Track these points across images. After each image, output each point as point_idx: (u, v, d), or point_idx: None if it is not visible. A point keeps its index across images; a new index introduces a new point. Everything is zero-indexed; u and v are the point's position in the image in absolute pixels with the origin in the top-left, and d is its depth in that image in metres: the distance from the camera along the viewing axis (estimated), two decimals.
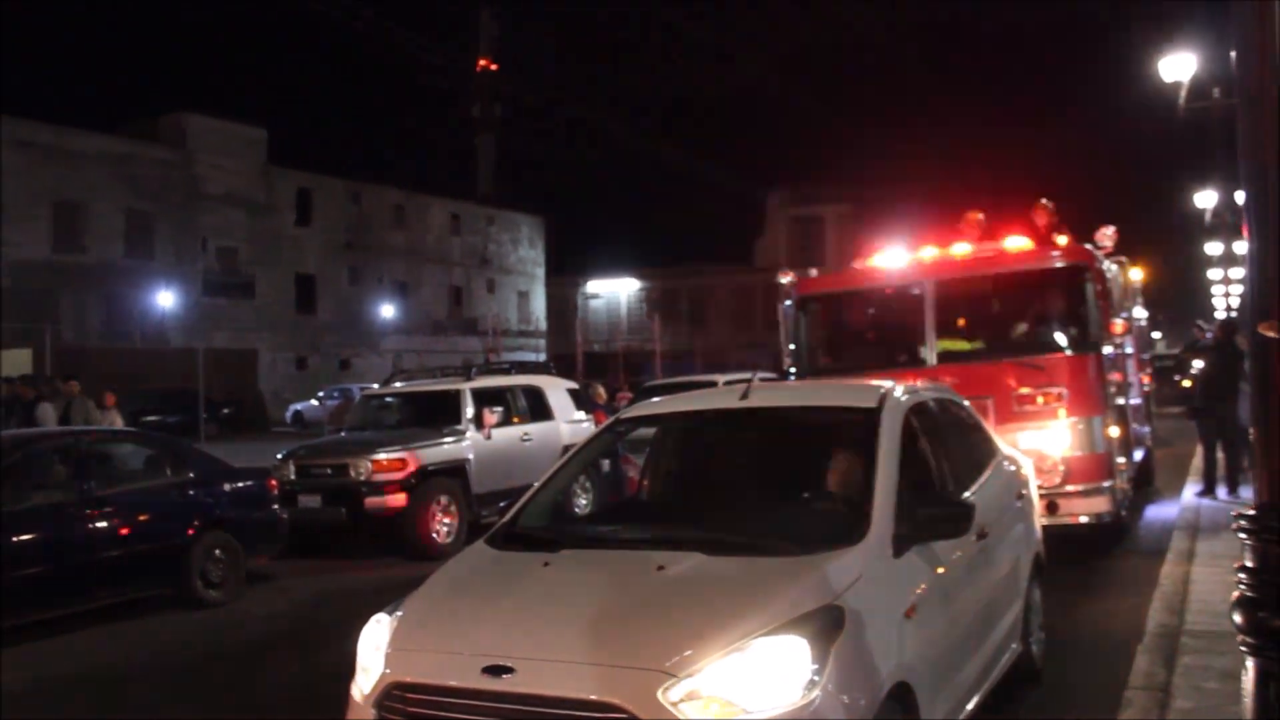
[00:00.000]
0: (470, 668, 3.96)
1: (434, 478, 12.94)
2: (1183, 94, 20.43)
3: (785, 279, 11.74)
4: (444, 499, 12.94)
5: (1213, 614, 7.37)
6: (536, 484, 5.79)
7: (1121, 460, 10.63)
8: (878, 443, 5.01)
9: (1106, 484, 10.04)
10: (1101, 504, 10.04)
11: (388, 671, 4.19)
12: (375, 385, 18.04)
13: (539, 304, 75.25)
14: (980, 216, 11.99)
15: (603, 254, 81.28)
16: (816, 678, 3.71)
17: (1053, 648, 7.03)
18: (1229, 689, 5.63)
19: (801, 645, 3.77)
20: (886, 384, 5.78)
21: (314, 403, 44.20)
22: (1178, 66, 20.14)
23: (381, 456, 12.66)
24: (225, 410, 40.27)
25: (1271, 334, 3.07)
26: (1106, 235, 10.86)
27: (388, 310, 60.54)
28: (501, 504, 5.85)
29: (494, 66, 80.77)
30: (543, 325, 74.73)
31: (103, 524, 9.68)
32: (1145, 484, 14.62)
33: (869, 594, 4.20)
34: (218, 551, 10.51)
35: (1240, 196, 3.23)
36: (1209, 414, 13.77)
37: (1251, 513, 3.16)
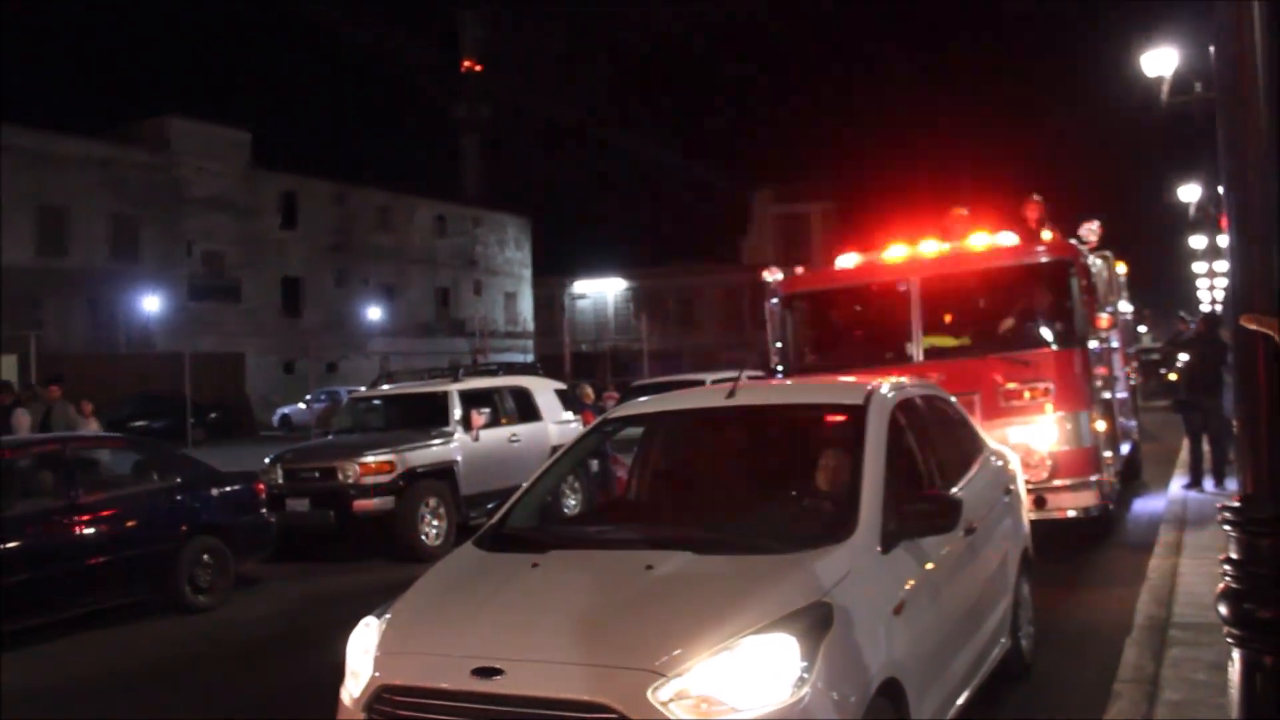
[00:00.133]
0: (460, 670, 3.95)
1: (422, 480, 12.93)
2: (1165, 89, 20.49)
3: (771, 277, 11.74)
4: (432, 501, 12.93)
5: (1200, 606, 7.40)
6: (524, 485, 5.79)
7: (1108, 454, 10.64)
8: (865, 440, 5.01)
9: (1094, 478, 10.06)
10: (1089, 498, 10.06)
11: (377, 675, 4.18)
12: (363, 388, 18.00)
13: (526, 305, 75.21)
14: (965, 212, 12.02)
15: (589, 254, 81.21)
16: (806, 675, 3.71)
17: (1042, 642, 7.05)
18: (1217, 680, 5.65)
19: (790, 643, 3.77)
20: (873, 381, 5.79)
21: (301, 406, 44.10)
22: (1160, 61, 20.20)
23: (369, 459, 12.64)
24: (212, 415, 40.13)
25: (1254, 327, 3.08)
26: (1091, 230, 10.88)
27: (374, 312, 60.41)
28: (490, 505, 5.86)
29: (479, 67, 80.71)
30: (530, 326, 74.70)
31: (90, 530, 9.65)
32: (1132, 478, 14.67)
33: (857, 591, 4.21)
34: (206, 556, 10.48)
35: (1222, 190, 3.25)
36: (1194, 407, 13.82)
37: (1236, 505, 3.17)
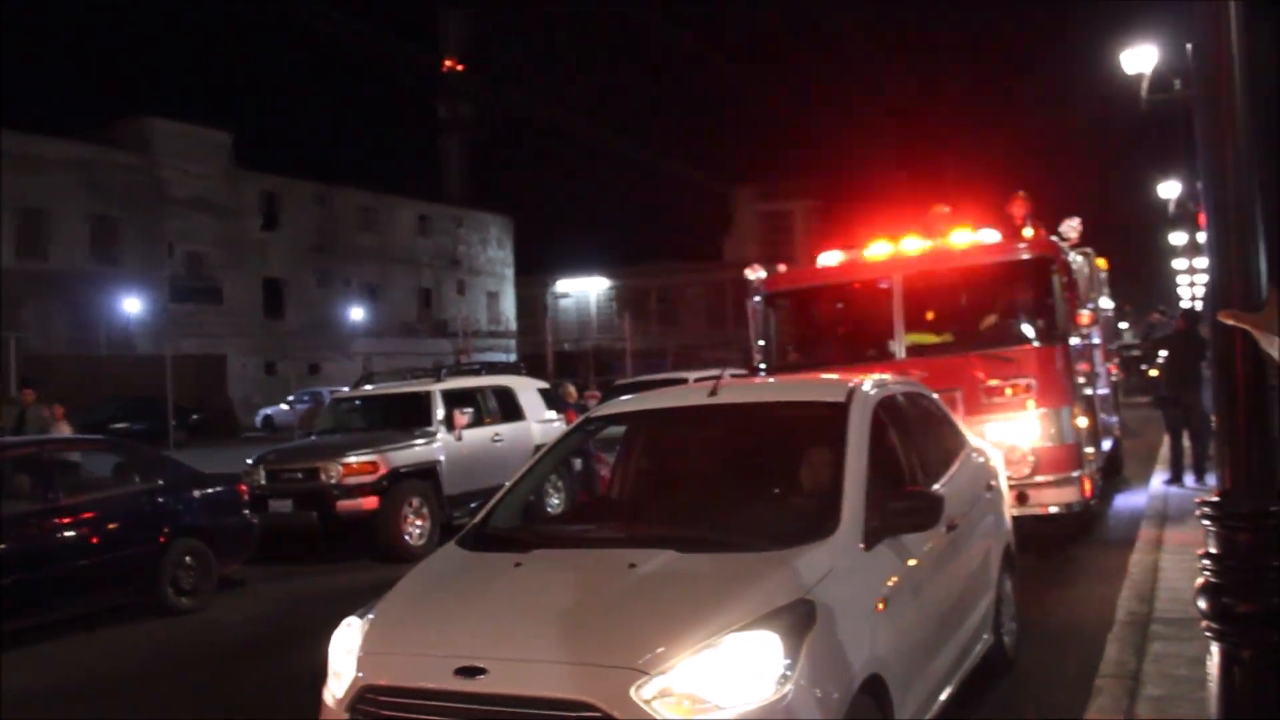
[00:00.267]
0: (443, 669, 3.95)
1: (405, 480, 12.91)
2: (1144, 86, 20.58)
3: (753, 275, 11.75)
4: (415, 501, 12.91)
5: (1181, 601, 7.43)
6: (507, 484, 5.79)
7: (1090, 450, 10.70)
8: (847, 437, 5.02)
9: (1076, 474, 10.10)
10: (1071, 494, 10.09)
11: (360, 675, 4.18)
12: (345, 389, 17.96)
13: (509, 304, 75.17)
14: (946, 210, 12.06)
15: (572, 253, 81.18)
16: (789, 672, 3.72)
17: (1024, 637, 7.08)
18: (1198, 675, 5.66)
19: (773, 640, 3.78)
20: (855, 378, 5.81)
21: (284, 407, 44.04)
22: (1139, 59, 20.29)
23: (352, 460, 12.62)
24: (194, 416, 40.00)
25: (1232, 322, 3.10)
26: (1072, 227, 10.93)
27: (357, 313, 60.35)
28: (473, 505, 5.86)
29: (460, 67, 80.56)
30: (513, 325, 74.65)
31: (71, 533, 9.60)
32: (1114, 473, 14.73)
33: (840, 588, 4.21)
34: (188, 558, 10.44)
35: (1201, 188, 3.26)
36: (1174, 403, 13.89)
37: (1215, 500, 3.18)
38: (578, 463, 13.62)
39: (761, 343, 11.61)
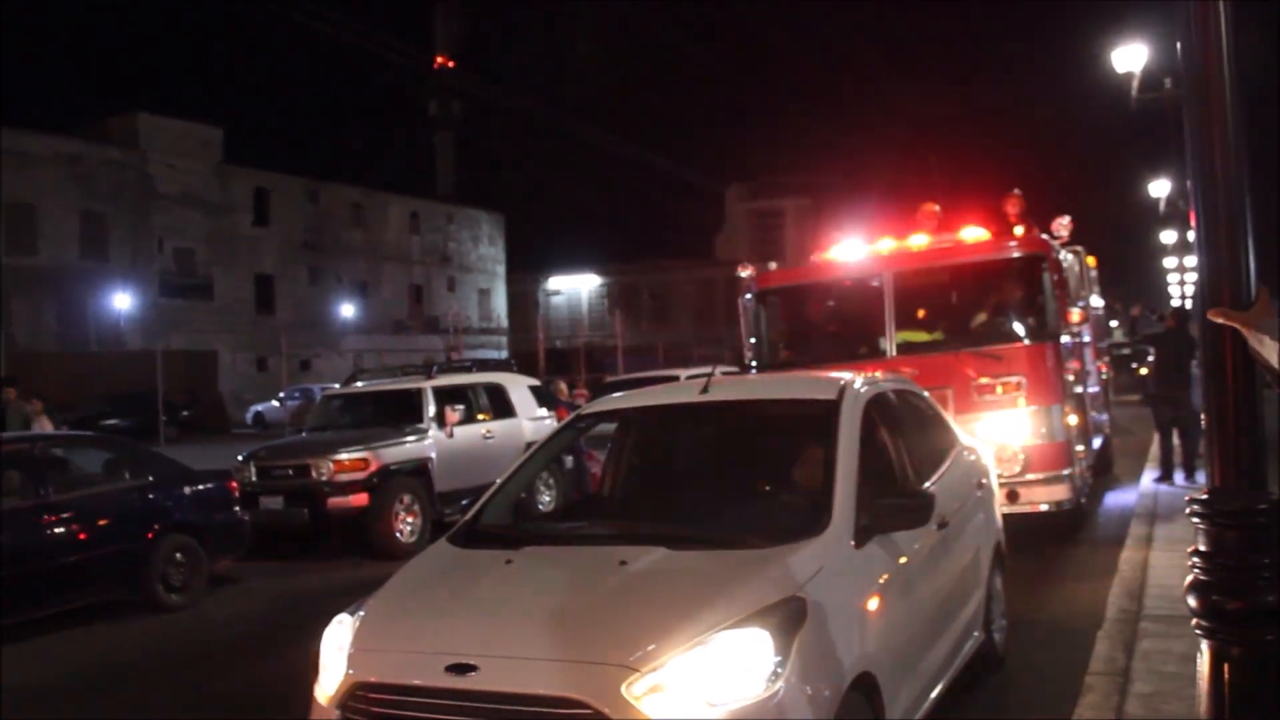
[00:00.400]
0: (434, 666, 3.94)
1: (396, 477, 12.90)
2: (1135, 85, 20.63)
3: (745, 273, 11.75)
4: (407, 498, 12.89)
5: (1171, 599, 7.46)
6: (499, 481, 5.78)
7: (1080, 448, 10.72)
8: (838, 435, 5.02)
9: (1066, 472, 10.12)
10: (1061, 492, 10.12)
11: (351, 672, 4.17)
12: (336, 385, 17.94)
13: (500, 301, 75.11)
14: (936, 208, 12.09)
15: (564, 250, 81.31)
16: (780, 670, 3.72)
17: (1015, 635, 7.09)
18: (1187, 672, 5.66)
19: (764, 637, 3.78)
20: (846, 376, 5.81)
21: (275, 404, 43.93)
22: (1129, 57, 20.34)
23: (343, 456, 12.60)
24: (185, 412, 39.92)
25: (1221, 320, 3.11)
26: (1063, 225, 10.95)
27: (348, 310, 60.29)
28: (464, 502, 5.86)
29: (451, 64, 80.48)
30: (504, 322, 74.60)
31: (60, 529, 9.58)
32: (1104, 471, 14.77)
33: (831, 585, 4.22)
34: (178, 555, 10.42)
35: (1190, 186, 3.27)
36: (1164, 401, 13.92)
37: (1204, 497, 3.19)
38: (569, 460, 13.63)
39: (753, 340, 11.61)
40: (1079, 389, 11.18)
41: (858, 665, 4.13)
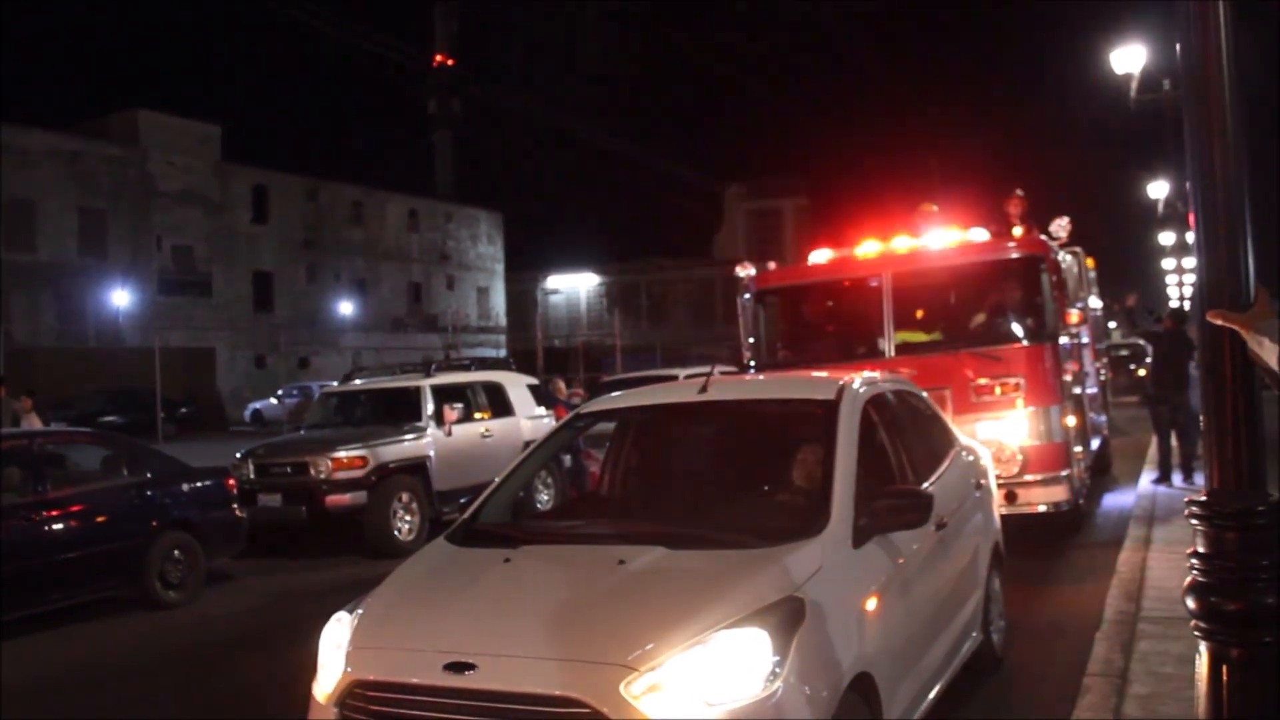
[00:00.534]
0: (432, 665, 3.94)
1: (394, 475, 12.90)
2: (1134, 86, 20.63)
3: (744, 273, 11.75)
4: (405, 496, 12.91)
5: (1169, 600, 7.47)
6: (497, 480, 5.78)
7: (1079, 449, 10.72)
8: (836, 435, 5.02)
9: (1064, 473, 10.12)
10: (1059, 493, 10.12)
11: (349, 670, 4.17)
12: (334, 383, 17.94)
13: (498, 300, 75.07)
14: (934, 208, 12.09)
15: (562, 249, 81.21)
16: (778, 669, 3.72)
17: (1013, 635, 7.10)
18: (1185, 673, 5.69)
19: (763, 637, 3.78)
20: (845, 376, 5.81)
21: (273, 401, 43.92)
22: (1128, 59, 20.34)
23: (341, 454, 12.61)
24: (183, 410, 39.89)
25: (1220, 322, 3.11)
26: (1061, 226, 10.95)
27: (346, 307, 60.26)
28: (462, 500, 5.83)
29: (451, 62, 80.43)
30: (502, 321, 74.56)
31: (58, 526, 9.58)
32: (1102, 472, 14.79)
33: (829, 585, 4.22)
34: (176, 552, 10.42)
35: (1189, 187, 3.27)
36: (1162, 402, 13.93)
37: (1203, 499, 3.19)
38: (568, 459, 13.64)
39: (751, 340, 11.61)
40: (1077, 390, 11.19)
41: (856, 665, 4.13)
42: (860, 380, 5.78)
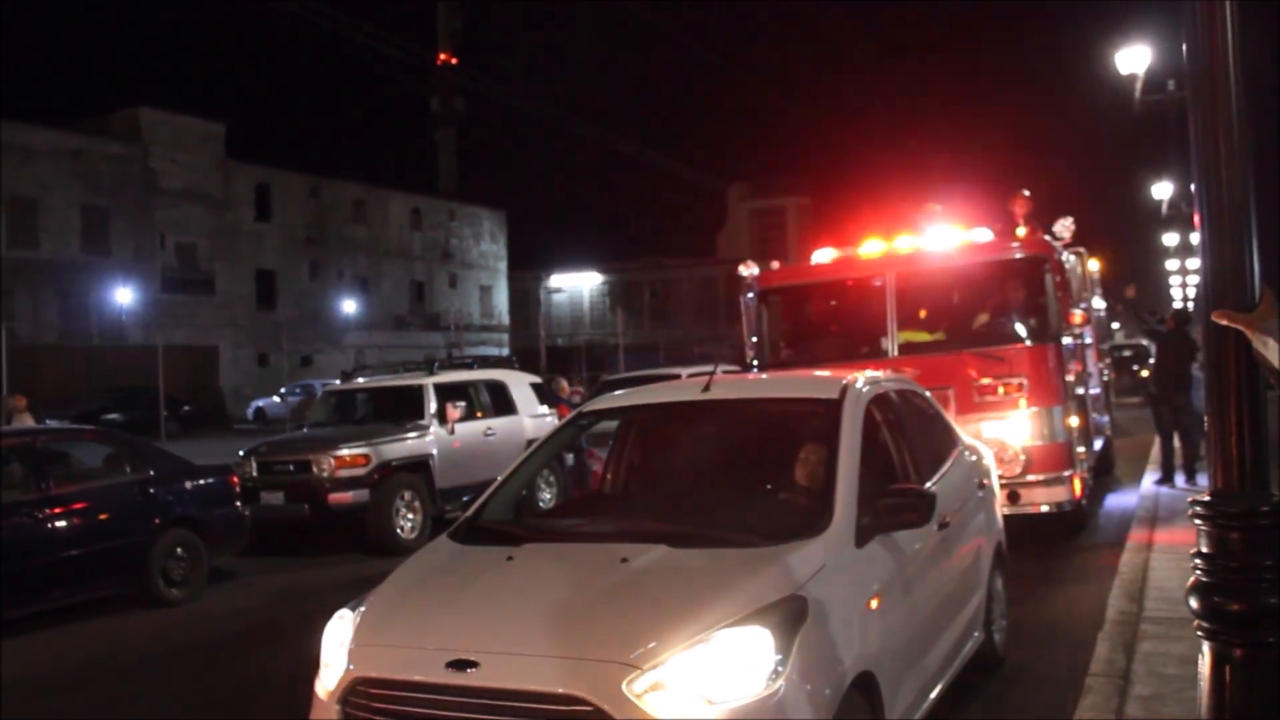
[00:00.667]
0: (434, 662, 3.94)
1: (397, 473, 12.91)
2: (1138, 87, 20.61)
3: (747, 272, 11.74)
4: (407, 494, 12.91)
5: (1171, 601, 7.47)
6: (500, 478, 5.78)
7: (1082, 450, 10.71)
8: (839, 434, 5.02)
9: (1067, 473, 10.12)
10: (1062, 493, 10.11)
11: (351, 667, 4.17)
12: (336, 381, 17.94)
13: (501, 298, 75.07)
14: (938, 208, 12.08)
15: (565, 248, 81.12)
16: (780, 668, 3.73)
17: (1015, 635, 7.10)
18: (1187, 674, 5.70)
19: (765, 636, 3.78)
20: (848, 375, 5.80)
21: (275, 399, 43.93)
22: (1133, 59, 20.31)
23: (344, 452, 12.61)
24: (186, 407, 39.92)
25: (1225, 322, 3.11)
26: (1065, 226, 10.94)
27: (349, 305, 60.26)
28: (465, 499, 5.85)
29: (454, 60, 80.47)
30: (505, 319, 74.57)
31: (61, 523, 9.59)
32: (1105, 473, 14.78)
33: (832, 584, 4.22)
34: (179, 549, 10.43)
35: (1194, 188, 3.27)
36: (1164, 403, 13.93)
37: (1207, 499, 3.19)
38: (570, 458, 13.65)
39: (755, 339, 11.60)
40: (1080, 390, 11.18)
41: (858, 664, 4.13)
42: (863, 379, 5.77)
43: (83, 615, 9.84)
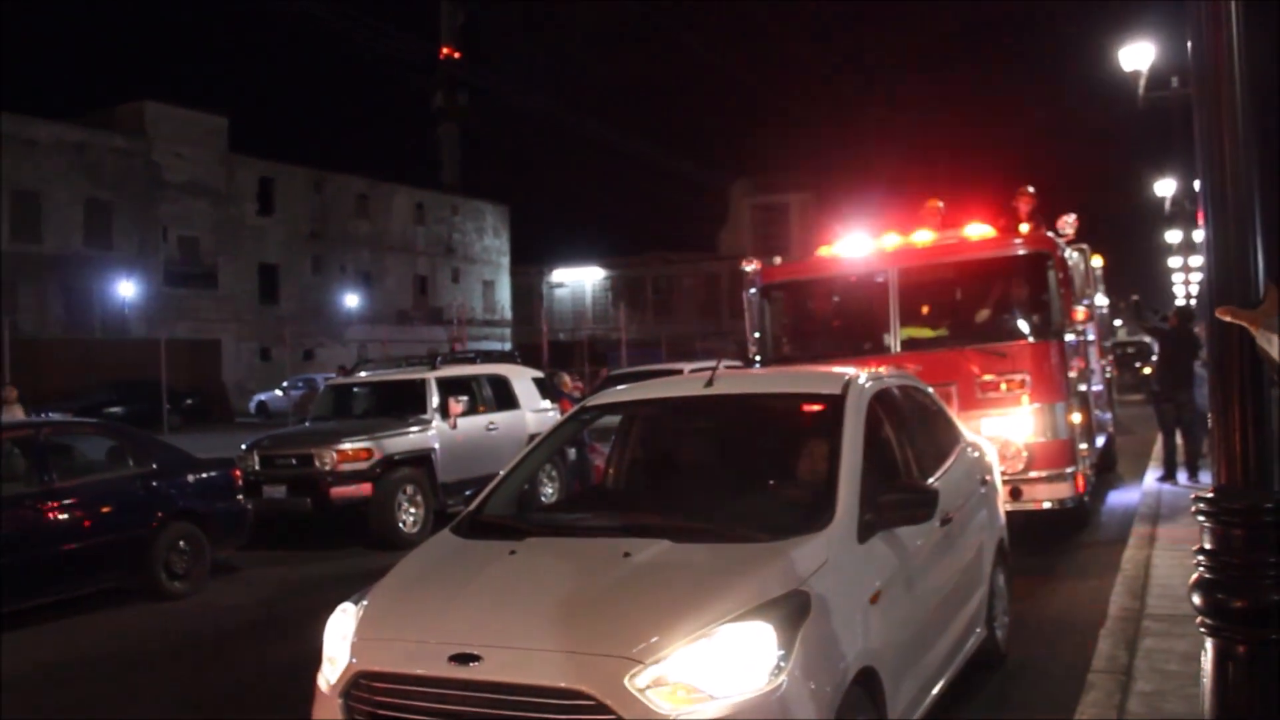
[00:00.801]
0: (437, 656, 3.95)
1: (399, 467, 12.92)
2: (1142, 84, 20.57)
3: (749, 267, 11.74)
4: (409, 488, 12.91)
5: (1173, 598, 7.47)
6: (502, 472, 5.78)
7: (1084, 446, 10.71)
8: (842, 429, 5.02)
9: (1069, 470, 10.11)
10: (1064, 490, 10.11)
11: (354, 661, 4.18)
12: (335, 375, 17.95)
13: (504, 293, 75.08)
14: (940, 204, 12.08)
15: (568, 243, 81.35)
16: (783, 663, 3.73)
17: (1017, 632, 7.10)
18: (1189, 670, 5.71)
19: (768, 631, 3.78)
20: (850, 371, 5.80)
21: (278, 393, 43.97)
22: (1136, 56, 20.27)
23: (346, 446, 12.62)
24: (189, 401, 39.97)
25: (1229, 318, 3.11)
26: (1068, 223, 10.92)
27: (352, 300, 60.30)
28: (467, 493, 5.86)
29: (457, 55, 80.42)
30: (508, 314, 74.58)
31: (64, 516, 9.60)
32: (1107, 470, 14.77)
33: (834, 580, 4.22)
34: (182, 543, 10.45)
35: (1198, 185, 3.26)
36: (1167, 400, 13.92)
37: (1210, 495, 3.19)
38: (573, 452, 13.65)
39: (757, 334, 11.60)
40: (1083, 387, 11.18)
41: (860, 660, 4.13)
42: (866, 375, 5.77)
43: (85, 608, 9.86)
